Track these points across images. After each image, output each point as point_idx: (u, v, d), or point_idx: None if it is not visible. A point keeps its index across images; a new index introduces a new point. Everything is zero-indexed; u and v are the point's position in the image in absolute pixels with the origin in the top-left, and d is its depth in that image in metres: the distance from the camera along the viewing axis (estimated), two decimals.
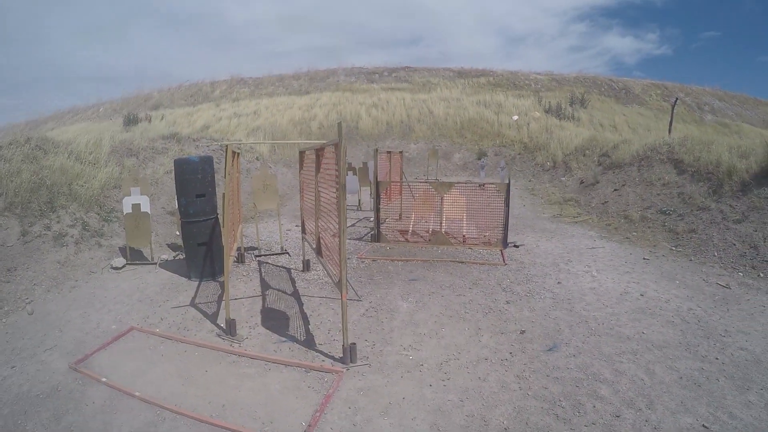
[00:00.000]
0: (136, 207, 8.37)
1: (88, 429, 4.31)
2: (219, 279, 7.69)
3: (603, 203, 12.77)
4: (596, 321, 5.94)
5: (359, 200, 15.02)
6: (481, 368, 4.96)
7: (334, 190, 5.28)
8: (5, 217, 8.08)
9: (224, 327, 5.89)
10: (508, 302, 6.65)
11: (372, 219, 10.76)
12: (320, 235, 6.45)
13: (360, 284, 7.50)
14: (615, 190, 13.04)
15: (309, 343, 5.65)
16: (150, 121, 26.62)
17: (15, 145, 10.08)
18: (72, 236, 8.57)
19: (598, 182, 14.34)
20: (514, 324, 5.98)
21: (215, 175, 8.15)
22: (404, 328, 5.95)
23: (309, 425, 4.14)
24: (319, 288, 7.39)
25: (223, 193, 5.88)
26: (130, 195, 8.79)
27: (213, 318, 6.36)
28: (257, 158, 18.22)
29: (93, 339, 5.83)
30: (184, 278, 7.82)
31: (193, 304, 6.83)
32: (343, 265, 4.86)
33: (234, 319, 5.84)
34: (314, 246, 6.75)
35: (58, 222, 8.65)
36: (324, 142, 6.02)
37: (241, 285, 7.55)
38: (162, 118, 28.07)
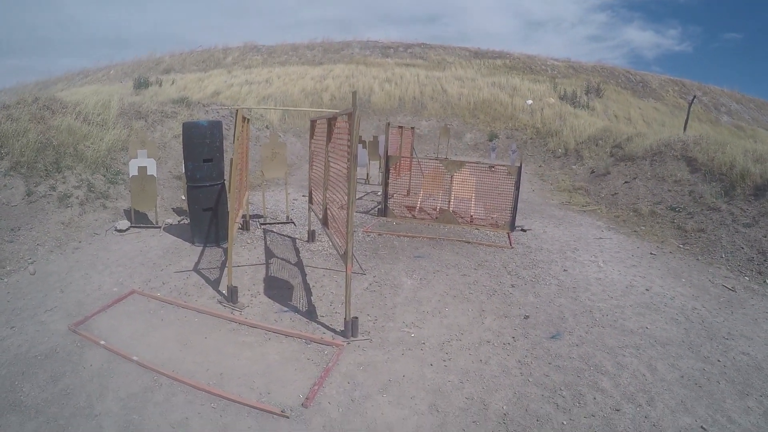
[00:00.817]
0: (142, 170, 8.29)
1: (85, 392, 4.30)
2: (223, 245, 7.65)
3: (613, 194, 12.62)
4: (600, 312, 5.88)
5: (368, 174, 14.93)
6: (483, 351, 4.92)
7: (345, 161, 5.18)
8: (10, 176, 8.02)
9: (226, 294, 5.86)
10: (513, 286, 6.59)
11: (380, 193, 10.67)
12: (327, 206, 6.35)
13: (364, 258, 7.45)
14: (626, 182, 12.88)
15: (310, 314, 5.62)
16: (161, 85, 26.48)
17: (22, 104, 9.96)
18: (77, 197, 8.52)
19: (609, 173, 14.17)
20: (518, 308, 5.92)
21: (224, 141, 8.04)
22: (407, 305, 5.90)
23: (307, 398, 4.11)
24: (323, 259, 7.34)
25: (231, 159, 5.80)
26: (136, 157, 8.71)
27: (215, 284, 6.31)
28: (267, 126, 18.07)
29: (94, 301, 5.80)
30: (188, 243, 7.77)
31: (195, 269, 6.78)
32: (350, 237, 4.78)
33: (236, 287, 5.81)
34: (320, 217, 6.65)
35: (63, 183, 8.60)
36: (337, 111, 5.90)
37: (245, 252, 7.51)
38: (173, 83, 27.90)
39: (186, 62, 39.79)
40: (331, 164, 6.21)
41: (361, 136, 15.16)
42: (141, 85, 26.02)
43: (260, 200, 10.18)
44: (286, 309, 5.70)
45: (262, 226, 8.86)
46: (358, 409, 4.00)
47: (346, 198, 4.93)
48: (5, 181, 7.90)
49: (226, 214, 7.29)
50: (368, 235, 8.68)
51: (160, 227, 8.46)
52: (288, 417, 3.90)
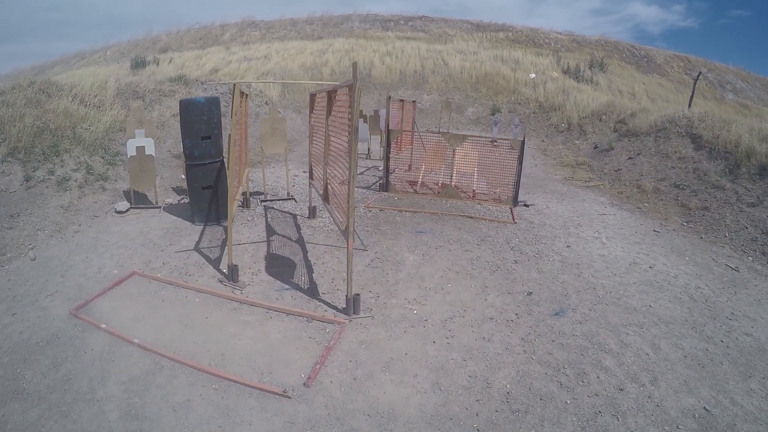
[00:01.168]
0: (140, 149, 8.20)
1: (87, 377, 4.28)
2: (224, 223, 7.60)
3: (616, 170, 12.49)
4: (604, 289, 5.83)
5: (368, 149, 14.77)
6: (486, 328, 4.90)
7: (345, 135, 5.07)
8: (8, 162, 7.97)
9: (226, 273, 5.84)
10: (516, 262, 6.55)
11: (381, 168, 10.59)
12: (328, 182, 6.28)
13: (366, 234, 7.40)
14: (629, 158, 12.73)
15: (312, 292, 5.58)
16: (158, 64, 26.19)
17: (18, 89, 9.85)
18: (76, 180, 8.46)
19: (612, 149, 14.00)
20: (521, 285, 5.89)
21: (222, 118, 7.93)
22: (410, 281, 5.86)
23: (308, 377, 4.10)
24: (324, 236, 7.30)
25: (229, 134, 5.70)
26: (134, 137, 8.60)
27: (216, 263, 6.28)
28: (266, 103, 17.90)
29: (94, 284, 5.77)
30: (188, 222, 7.72)
31: (196, 248, 6.75)
32: (351, 212, 4.72)
33: (236, 265, 5.78)
34: (321, 192, 6.58)
35: (62, 166, 8.54)
36: (337, 83, 5.78)
37: (246, 230, 7.47)
38: (170, 61, 27.57)
39: (183, 40, 39.28)
40: (332, 138, 6.10)
41: (361, 111, 14.95)
42: (138, 65, 25.74)
43: (260, 177, 10.11)
44: (287, 287, 5.66)
45: (263, 203, 8.80)
46: (361, 387, 3.99)
47: (346, 173, 4.84)
48: (3, 168, 7.85)
49: (226, 191, 7.22)
50: (370, 211, 8.61)
51: (160, 207, 8.40)
52: (290, 397, 3.89)
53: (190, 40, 38.86)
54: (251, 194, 8.97)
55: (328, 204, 6.25)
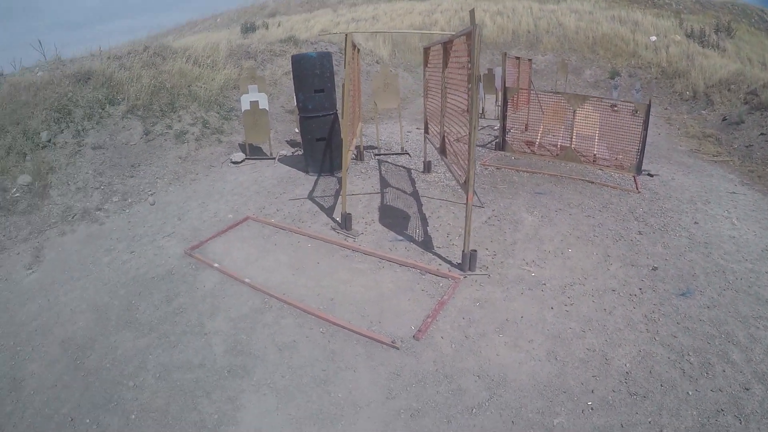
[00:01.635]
0: (254, 104, 8.42)
1: (196, 311, 4.48)
2: (337, 174, 7.72)
3: (747, 146, 11.23)
4: (734, 274, 5.19)
5: (483, 108, 14.21)
6: (608, 300, 4.54)
7: (463, 87, 4.83)
8: (128, 119, 8.52)
9: (339, 221, 5.90)
10: (640, 233, 6.01)
11: (496, 127, 10.18)
12: (445, 135, 6.07)
13: (482, 192, 7.12)
14: (762, 134, 11.38)
15: (426, 245, 5.48)
16: (267, 28, 26.68)
17: (133, 54, 10.51)
18: (192, 134, 8.91)
19: (742, 122, 12.59)
20: (645, 258, 5.39)
21: (334, 75, 7.92)
22: (528, 242, 5.57)
23: (419, 330, 4.01)
24: (439, 190, 7.14)
25: (343, 84, 5.64)
26: (248, 93, 8.83)
27: (329, 212, 6.38)
28: (377, 62, 17.78)
29: (209, 227, 6.03)
30: (302, 173, 7.92)
31: (309, 197, 6.91)
32: (472, 164, 4.45)
33: (350, 213, 5.82)
34: (438, 146, 6.38)
35: (179, 121, 9.03)
36: (453, 33, 5.51)
37: (359, 181, 7.52)
38: (279, 25, 28.03)
39: (291, 4, 39.82)
40: (449, 91, 5.83)
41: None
42: (248, 29, 26.38)
43: (374, 132, 10.07)
44: (401, 238, 5.60)
45: (377, 157, 8.80)
46: (472, 346, 3.87)
47: (464, 126, 4.65)
48: (123, 123, 8.41)
49: (340, 143, 7.24)
50: (486, 169, 8.28)
51: (274, 158, 8.65)
52: (398, 348, 3.83)
53: (298, 4, 39.34)
54: (365, 148, 9.00)
55: (445, 158, 6.04)
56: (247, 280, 4.81)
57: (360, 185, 7.32)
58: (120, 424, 3.47)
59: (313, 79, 7.41)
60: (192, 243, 5.63)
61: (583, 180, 7.87)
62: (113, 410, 3.58)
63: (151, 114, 8.83)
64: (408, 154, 8.93)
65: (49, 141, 7.76)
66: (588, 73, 21.67)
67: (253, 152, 8.74)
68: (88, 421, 3.52)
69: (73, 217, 6.70)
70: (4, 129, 7.80)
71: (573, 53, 22.75)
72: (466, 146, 4.59)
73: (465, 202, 4.59)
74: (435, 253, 5.28)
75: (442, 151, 6.15)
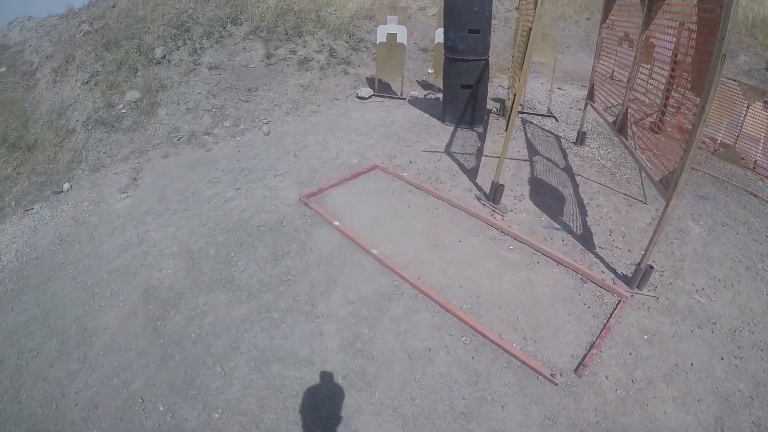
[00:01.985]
0: (391, 36, 7.23)
1: (308, 282, 3.48)
2: (477, 128, 6.36)
3: None
4: None
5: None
6: None
7: (683, 52, 3.52)
8: (249, 40, 7.73)
9: (486, 190, 4.57)
10: None
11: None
12: (629, 111, 4.59)
13: (635, 179, 5.58)
14: None
15: (586, 241, 4.13)
16: None
17: None
18: (317, 61, 7.90)
19: None
20: None
21: (491, 19, 6.45)
22: (696, 261, 4.14)
23: (582, 364, 3.01)
24: (596, 171, 5.57)
25: (530, 27, 4.21)
26: (385, 23, 7.62)
27: (471, 174, 5.03)
28: (516, 8, 15.91)
29: (329, 170, 4.96)
30: (435, 120, 6.56)
31: (447, 151, 5.57)
32: (688, 163, 3.06)
33: (502, 185, 4.42)
34: (612, 121, 4.89)
35: (304, 47, 8.06)
36: None
37: (500, 141, 6.03)
38: None
39: None
40: (656, 60, 4.33)
41: None
42: None
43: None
44: (557, 226, 4.26)
45: (521, 115, 7.26)
46: (639, 397, 2.92)
47: (679, 114, 3.46)
48: (244, 44, 7.63)
49: (486, 93, 6.02)
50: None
51: (404, 99, 7.39)
52: (557, 384, 2.90)
53: None
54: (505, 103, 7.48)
55: (626, 139, 4.55)
56: (374, 251, 3.68)
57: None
58: (199, 422, 2.69)
59: (470, 16, 5.99)
60: (308, 189, 4.57)
61: (744, 189, 6.01)
62: (193, 400, 2.80)
63: (274, 37, 7.99)
64: (555, 117, 7.31)
65: (164, 57, 7.10)
66: (743, 59, 18.39)
67: (382, 89, 7.58)
68: (161, 408, 2.79)
69: (178, 140, 5.97)
70: (118, 43, 7.26)
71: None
72: (676, 137, 3.46)
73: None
74: (596, 255, 3.99)
75: (621, 130, 4.64)
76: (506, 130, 4.24)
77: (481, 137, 5.86)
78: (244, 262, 3.70)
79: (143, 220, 4.56)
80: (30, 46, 8.20)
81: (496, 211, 4.31)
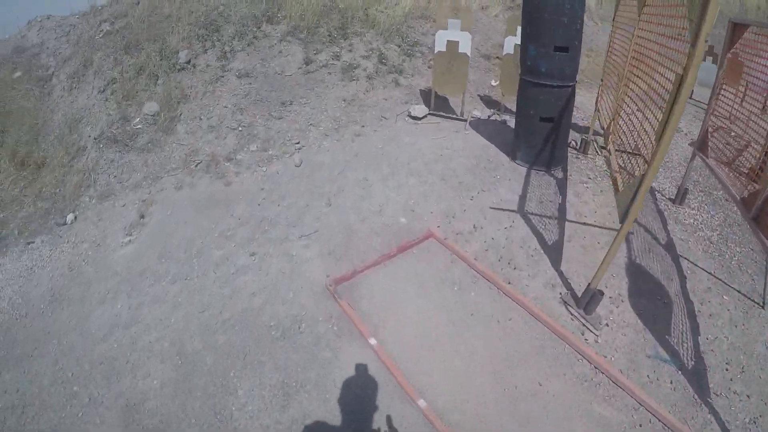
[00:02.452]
0: (452, 45, 6.11)
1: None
2: (555, 172, 5.11)
3: None
4: None
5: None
6: None
7: None
8: (287, 42, 6.72)
9: (574, 287, 3.43)
10: None
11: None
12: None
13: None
14: None
15: (699, 382, 2.89)
16: None
17: None
18: (364, 69, 6.81)
19: None
20: None
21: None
22: None
23: None
24: (702, 249, 4.11)
25: (697, 47, 3.00)
26: (446, 28, 6.45)
27: (554, 255, 3.78)
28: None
29: (369, 233, 3.93)
30: (503, 156, 5.30)
31: (522, 212, 4.33)
32: None
33: (601, 293, 3.18)
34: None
35: (349, 51, 6.99)
36: None
37: (589, 197, 4.66)
38: None
39: None
40: None
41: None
42: None
43: (590, 104, 7.00)
44: (666, 357, 3.05)
45: (602, 150, 5.70)
46: None
47: None
48: (280, 47, 6.65)
49: (569, 128, 4.98)
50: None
51: (465, 121, 6.12)
52: None
53: None
54: (589, 133, 5.71)
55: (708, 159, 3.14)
56: (421, 402, 2.64)
57: (591, 206, 4.52)
58: None
59: (558, 29, 4.70)
60: (339, 268, 3.54)
61: None
62: None
63: (315, 39, 6.97)
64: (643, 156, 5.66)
65: (188, 62, 6.22)
66: None
67: (438, 106, 6.40)
68: None
69: (196, 166, 5.13)
70: (139, 45, 6.43)
71: None
72: None
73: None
74: (711, 407, 2.77)
75: (701, 148, 3.29)
76: (621, 226, 2.95)
77: (561, 186, 4.65)
78: (245, 391, 2.78)
79: (138, 286, 3.77)
80: (47, 48, 7.55)
81: (589, 327, 3.15)
